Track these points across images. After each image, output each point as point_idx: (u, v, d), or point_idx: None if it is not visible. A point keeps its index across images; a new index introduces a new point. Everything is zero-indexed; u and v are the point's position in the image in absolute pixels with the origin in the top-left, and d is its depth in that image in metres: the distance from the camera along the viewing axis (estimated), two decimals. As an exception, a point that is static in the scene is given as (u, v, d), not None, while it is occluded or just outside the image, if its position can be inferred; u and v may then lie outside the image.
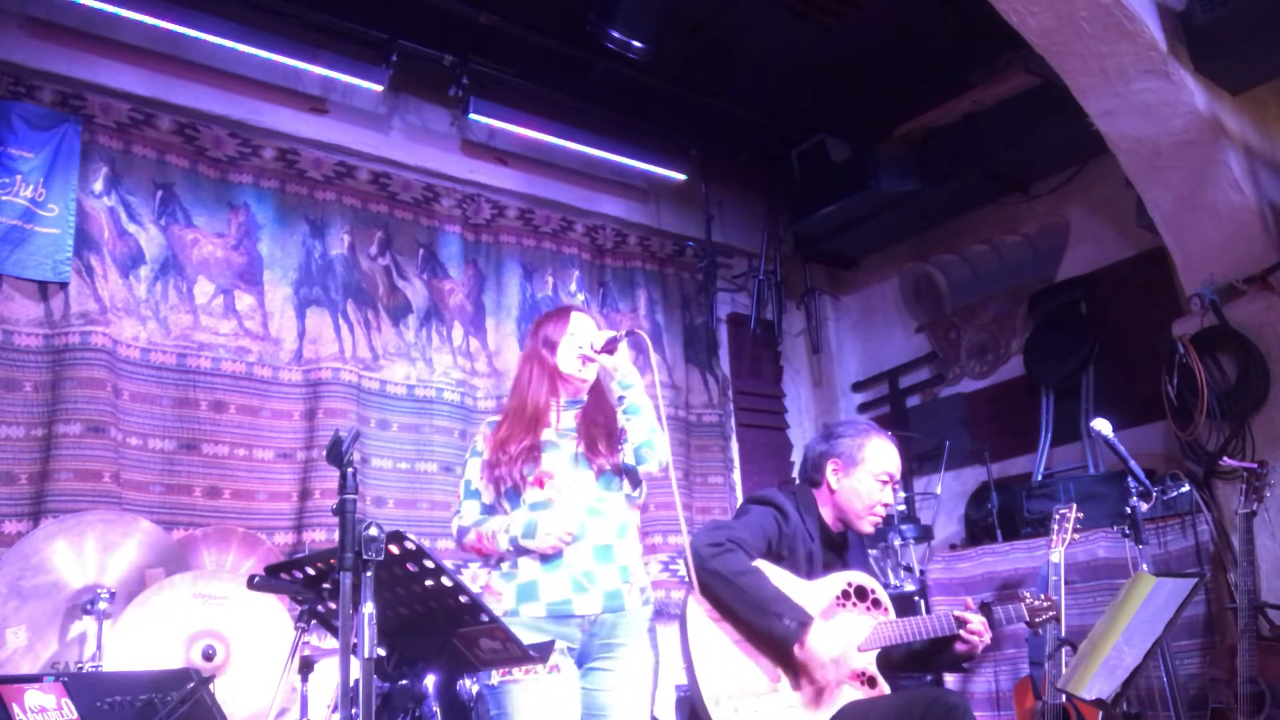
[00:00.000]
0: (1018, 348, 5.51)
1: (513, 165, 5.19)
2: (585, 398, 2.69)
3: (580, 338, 2.66)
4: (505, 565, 2.49)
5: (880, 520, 2.93)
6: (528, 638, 2.26)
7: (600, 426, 2.61)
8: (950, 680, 4.57)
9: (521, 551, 2.46)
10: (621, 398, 2.61)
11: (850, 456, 2.89)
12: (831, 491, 2.90)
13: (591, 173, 5.44)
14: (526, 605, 2.43)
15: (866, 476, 2.87)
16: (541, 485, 2.50)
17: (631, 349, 2.75)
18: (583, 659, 2.46)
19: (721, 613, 2.67)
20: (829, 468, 2.91)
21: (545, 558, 2.45)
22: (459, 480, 2.69)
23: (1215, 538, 4.04)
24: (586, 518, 2.49)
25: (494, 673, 2.36)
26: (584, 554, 2.47)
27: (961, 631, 2.77)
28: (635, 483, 2.63)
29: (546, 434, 2.57)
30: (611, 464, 2.56)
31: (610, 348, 2.61)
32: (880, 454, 2.90)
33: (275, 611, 3.17)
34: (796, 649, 2.59)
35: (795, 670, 2.67)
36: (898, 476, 2.95)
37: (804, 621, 2.59)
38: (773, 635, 2.61)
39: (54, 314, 3.79)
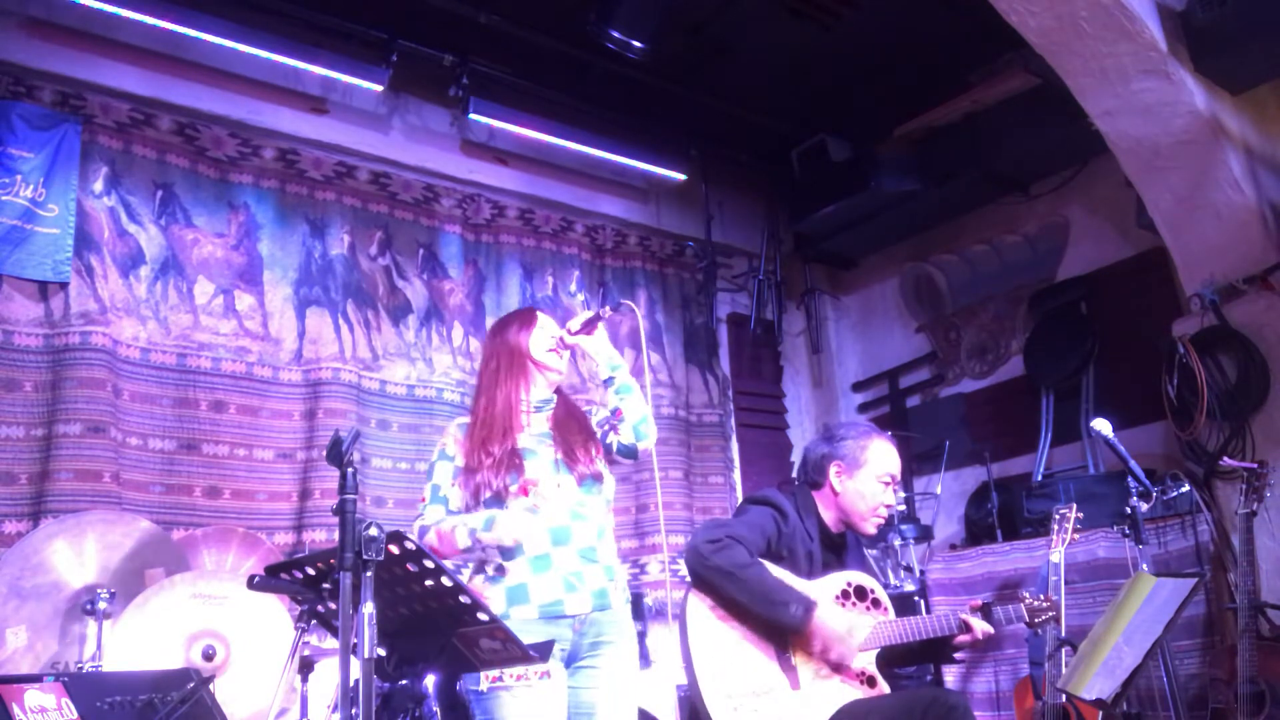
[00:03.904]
0: (1018, 348, 5.51)
1: (513, 165, 5.19)
2: (553, 399, 2.66)
3: (549, 331, 2.66)
4: (490, 569, 2.44)
5: (883, 521, 2.95)
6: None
7: (577, 433, 2.60)
8: (950, 680, 4.57)
9: (507, 553, 2.42)
10: (610, 379, 2.63)
11: (854, 458, 2.90)
12: (835, 494, 2.90)
13: (591, 173, 5.44)
14: (517, 608, 2.39)
15: (870, 478, 2.88)
16: (526, 493, 2.45)
17: (608, 325, 2.73)
18: (571, 659, 2.45)
19: (724, 609, 2.67)
20: (832, 470, 2.91)
21: (534, 560, 2.42)
22: (425, 485, 2.59)
23: (1215, 538, 4.04)
24: (570, 522, 2.47)
25: (483, 678, 2.30)
26: (570, 557, 2.45)
27: (960, 638, 2.77)
28: (631, 457, 2.63)
29: (523, 439, 2.53)
30: (592, 471, 2.55)
31: (589, 328, 2.62)
32: (883, 455, 2.91)
33: (275, 611, 3.16)
34: (807, 630, 2.60)
35: (795, 669, 2.68)
36: (899, 477, 2.97)
37: (809, 605, 2.60)
38: (780, 623, 2.62)
39: (54, 314, 3.79)
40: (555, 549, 2.44)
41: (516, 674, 2.30)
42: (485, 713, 2.33)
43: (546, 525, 2.45)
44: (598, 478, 2.56)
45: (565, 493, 2.49)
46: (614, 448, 2.61)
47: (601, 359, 2.64)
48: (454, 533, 2.43)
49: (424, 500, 2.56)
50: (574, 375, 5.02)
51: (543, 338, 2.63)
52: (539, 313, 2.72)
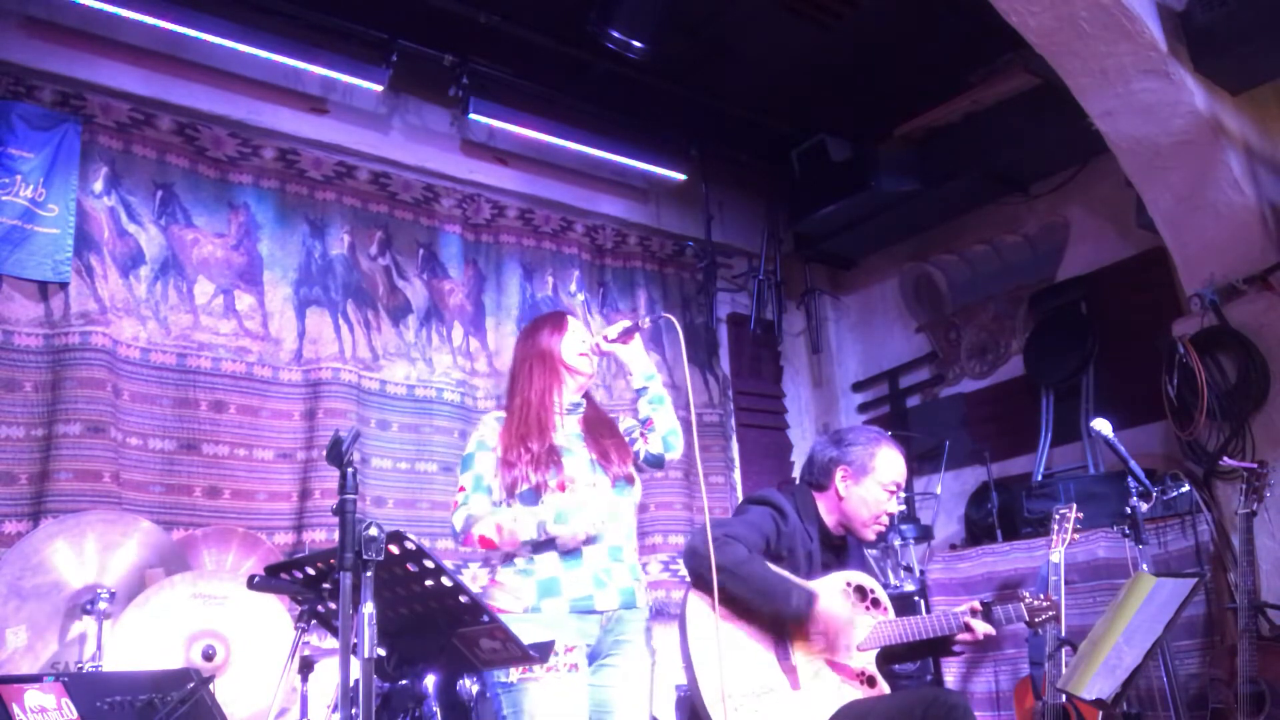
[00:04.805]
0: (1018, 348, 5.51)
1: (513, 165, 5.19)
2: (583, 403, 2.70)
3: (579, 335, 2.69)
4: (521, 561, 2.47)
5: (884, 528, 2.96)
6: (551, 634, 2.28)
7: (609, 436, 2.65)
8: (950, 680, 4.57)
9: (538, 546, 2.46)
10: (643, 389, 2.68)
11: (861, 465, 2.89)
12: (840, 498, 2.90)
13: (591, 173, 5.44)
14: (549, 601, 2.43)
15: (875, 486, 2.88)
16: (564, 489, 2.49)
17: (646, 336, 2.78)
18: (594, 655, 2.48)
19: (724, 609, 2.67)
20: (838, 474, 2.90)
21: (566, 554, 2.46)
22: (462, 474, 2.60)
23: (1215, 538, 4.04)
24: (611, 523, 2.52)
25: (512, 670, 2.33)
26: (601, 554, 2.50)
27: (961, 637, 2.77)
28: (658, 467, 2.68)
29: (558, 438, 2.57)
30: (624, 473, 2.60)
31: (626, 338, 2.65)
32: (890, 463, 2.91)
33: (275, 611, 3.17)
34: (809, 618, 2.61)
35: (795, 669, 2.68)
36: (904, 486, 2.97)
37: (811, 595, 2.61)
38: (782, 616, 2.63)
39: (54, 314, 3.78)
40: (587, 546, 2.48)
41: (547, 665, 2.32)
42: (514, 704, 2.36)
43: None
44: (629, 480, 2.61)
45: (600, 492, 2.53)
46: (640, 455, 2.66)
47: (636, 369, 2.69)
48: (517, 526, 2.43)
49: (463, 489, 2.55)
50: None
51: (574, 342, 2.67)
52: (570, 317, 2.76)
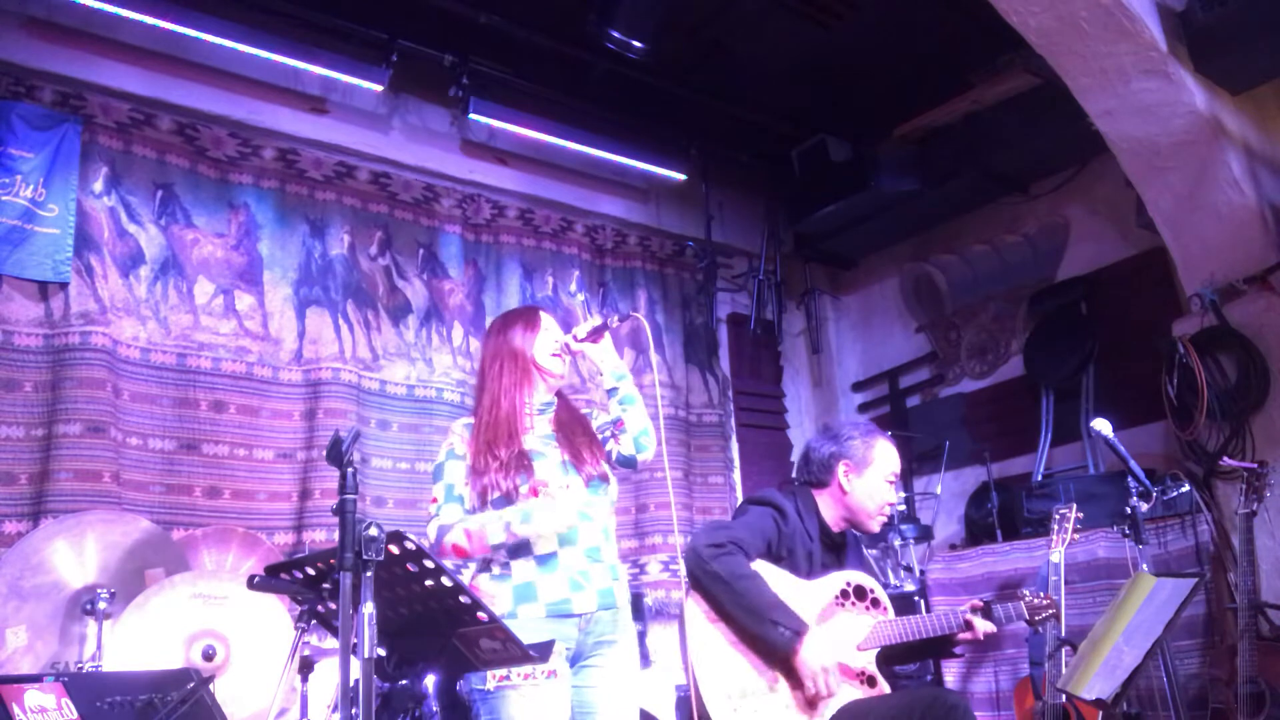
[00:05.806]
0: (1018, 348, 5.51)
1: (513, 165, 5.19)
2: (554, 401, 2.66)
3: (553, 334, 2.65)
4: (496, 568, 2.44)
5: (886, 518, 2.98)
6: (527, 639, 2.26)
7: (582, 435, 2.60)
8: (950, 680, 4.57)
9: (513, 552, 2.42)
10: (614, 389, 2.62)
11: (862, 458, 2.92)
12: (844, 492, 2.92)
13: (591, 173, 5.44)
14: (525, 606, 2.39)
15: (878, 477, 2.92)
16: (536, 494, 2.44)
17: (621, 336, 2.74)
18: (576, 657, 2.45)
19: (719, 613, 2.67)
20: (840, 469, 2.92)
21: (541, 559, 2.42)
22: (434, 485, 2.55)
23: (1215, 538, 4.04)
24: (577, 522, 2.47)
25: (489, 677, 2.30)
26: (577, 556, 2.46)
27: (962, 636, 2.78)
28: (630, 467, 2.62)
29: (529, 441, 2.52)
30: (599, 472, 2.55)
31: (595, 337, 2.61)
32: (887, 454, 2.96)
33: (275, 611, 3.16)
34: (789, 657, 2.60)
35: (794, 670, 2.67)
36: (899, 476, 3.00)
37: (799, 630, 2.60)
38: (768, 642, 2.62)
39: (54, 314, 3.78)
40: (562, 549, 2.44)
41: (524, 673, 2.30)
42: (491, 712, 2.32)
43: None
44: (604, 479, 2.57)
45: (573, 494, 2.50)
46: (613, 456, 2.61)
47: (607, 368, 2.63)
48: (484, 529, 2.39)
49: (436, 500, 2.51)
50: (574, 375, 5.02)
51: (546, 341, 2.62)
52: (542, 313, 2.70)
